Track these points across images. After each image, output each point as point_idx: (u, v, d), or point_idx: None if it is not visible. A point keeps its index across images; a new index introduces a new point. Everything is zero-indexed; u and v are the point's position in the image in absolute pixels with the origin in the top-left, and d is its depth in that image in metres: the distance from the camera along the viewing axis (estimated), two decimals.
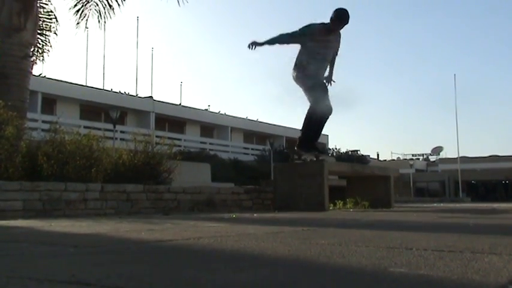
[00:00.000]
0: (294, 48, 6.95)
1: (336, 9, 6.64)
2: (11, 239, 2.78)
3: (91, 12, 9.48)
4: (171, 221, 4.10)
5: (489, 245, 2.12)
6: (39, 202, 5.22)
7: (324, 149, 7.47)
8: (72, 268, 1.62)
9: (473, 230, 3.40)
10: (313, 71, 6.84)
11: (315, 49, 6.75)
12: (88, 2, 9.40)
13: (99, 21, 9.43)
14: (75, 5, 9.52)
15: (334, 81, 7.26)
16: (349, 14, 6.68)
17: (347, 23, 6.71)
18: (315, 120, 6.93)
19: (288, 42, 6.85)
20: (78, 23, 9.68)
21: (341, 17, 6.66)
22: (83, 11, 9.45)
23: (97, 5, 9.44)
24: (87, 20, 9.60)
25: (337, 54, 7.18)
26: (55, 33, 10.13)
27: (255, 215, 5.56)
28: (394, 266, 1.54)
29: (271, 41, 6.71)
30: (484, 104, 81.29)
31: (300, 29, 6.72)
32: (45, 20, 9.85)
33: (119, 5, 9.47)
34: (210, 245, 2.24)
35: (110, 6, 9.45)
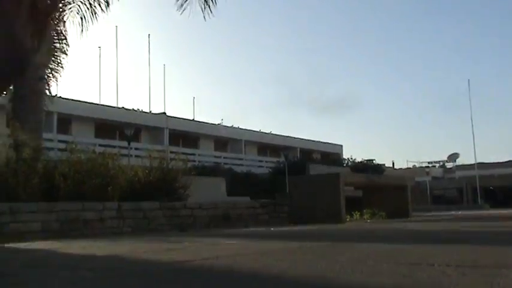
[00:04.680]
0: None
1: None
2: (31, 264, 2.79)
3: (72, 14, 9.18)
4: (188, 239, 4.09)
5: None
6: (57, 223, 5.25)
7: None
8: None
9: (494, 240, 3.34)
10: None
11: None
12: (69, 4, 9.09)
13: (82, 26, 9.17)
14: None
15: None
16: None
17: None
18: None
19: None
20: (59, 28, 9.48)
21: None
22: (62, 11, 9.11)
23: (80, 9, 9.17)
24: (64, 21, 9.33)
25: None
26: (65, 53, 10.22)
27: (271, 229, 5.53)
28: (417, 286, 1.51)
29: None
30: (500, 108, 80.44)
31: None
32: (56, 41, 9.98)
33: (102, 10, 9.29)
34: (228, 265, 2.23)
35: (94, 12, 9.21)
